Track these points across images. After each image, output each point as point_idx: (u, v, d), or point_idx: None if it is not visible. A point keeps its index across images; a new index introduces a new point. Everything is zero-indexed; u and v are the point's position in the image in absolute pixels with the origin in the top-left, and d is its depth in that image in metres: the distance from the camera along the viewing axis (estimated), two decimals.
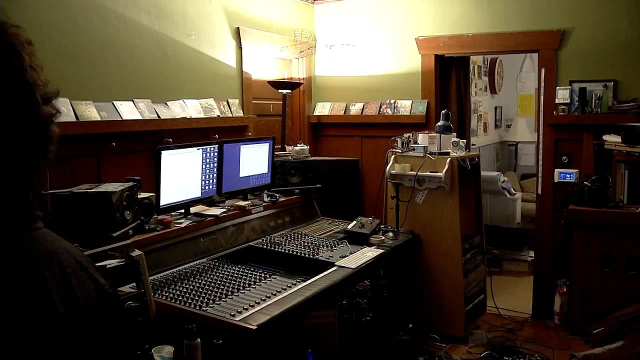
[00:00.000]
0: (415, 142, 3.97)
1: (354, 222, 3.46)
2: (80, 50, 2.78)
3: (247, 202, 3.35)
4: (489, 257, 4.80)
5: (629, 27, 3.81)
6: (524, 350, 3.59)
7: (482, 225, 4.28)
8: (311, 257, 2.94)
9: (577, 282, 3.75)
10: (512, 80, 7.81)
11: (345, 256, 2.97)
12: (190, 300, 2.29)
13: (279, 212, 3.54)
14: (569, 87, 3.99)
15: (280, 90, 4.09)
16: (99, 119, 2.78)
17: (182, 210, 3.03)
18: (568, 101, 3.98)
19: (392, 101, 4.59)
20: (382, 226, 3.65)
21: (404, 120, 4.48)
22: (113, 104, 2.92)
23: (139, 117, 3.02)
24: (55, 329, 0.87)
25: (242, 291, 2.42)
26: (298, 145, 4.11)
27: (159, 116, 3.16)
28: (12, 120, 0.88)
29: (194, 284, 2.49)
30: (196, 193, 3.08)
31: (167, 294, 2.35)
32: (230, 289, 2.42)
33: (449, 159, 3.66)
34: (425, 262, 3.83)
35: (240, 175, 3.42)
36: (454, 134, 4.01)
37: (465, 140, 4.09)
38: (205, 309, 2.22)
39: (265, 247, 3.10)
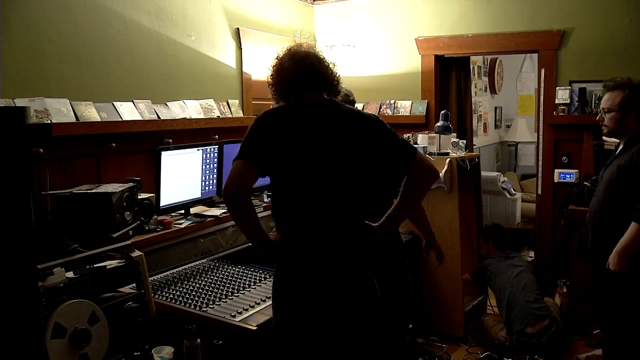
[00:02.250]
0: (415, 143, 3.97)
1: None
2: (80, 50, 2.78)
3: None
4: None
5: (629, 27, 3.81)
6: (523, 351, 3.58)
7: (482, 225, 4.27)
8: None
9: (577, 282, 3.75)
10: (512, 80, 7.81)
11: None
12: (190, 301, 2.29)
13: None
14: (569, 87, 3.99)
15: None
16: (99, 119, 2.78)
17: (182, 211, 3.03)
18: (568, 101, 3.98)
19: (392, 101, 4.59)
20: None
21: (404, 121, 4.48)
22: (113, 104, 2.92)
23: (139, 117, 3.02)
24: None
25: (242, 292, 2.42)
26: None
27: (159, 117, 3.16)
28: None
29: (194, 284, 2.49)
30: (196, 194, 3.08)
31: (167, 295, 2.35)
32: (230, 290, 2.42)
33: (448, 160, 3.66)
34: (425, 262, 3.82)
35: None
36: (454, 134, 4.01)
37: (465, 141, 4.09)
38: (205, 309, 2.22)
39: None
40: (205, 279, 2.55)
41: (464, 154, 3.89)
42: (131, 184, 2.54)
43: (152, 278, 2.44)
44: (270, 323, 2.12)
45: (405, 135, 4.06)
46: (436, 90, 4.50)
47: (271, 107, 2.03)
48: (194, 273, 2.63)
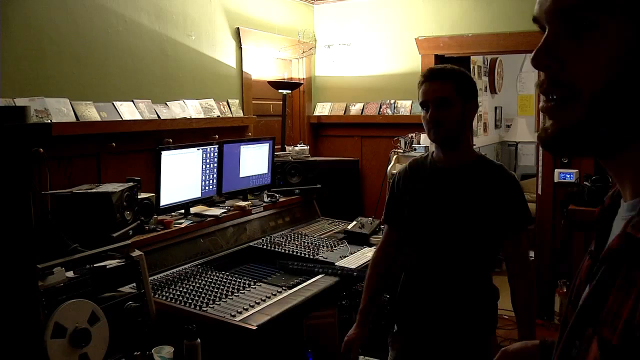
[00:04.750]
0: (419, 143, 3.97)
1: (354, 223, 3.46)
2: (80, 50, 2.78)
3: (247, 203, 3.35)
4: None
5: None
6: None
7: None
8: (311, 257, 2.94)
9: None
10: (512, 80, 7.80)
11: (345, 256, 2.97)
12: (190, 301, 2.29)
13: (279, 213, 3.54)
14: None
15: (280, 91, 4.09)
16: (99, 119, 2.78)
17: (182, 211, 3.03)
18: None
19: (392, 101, 4.59)
20: (382, 226, 3.65)
21: (404, 121, 4.48)
22: (113, 104, 2.92)
23: (139, 117, 3.02)
24: None
25: (242, 291, 2.42)
26: (298, 145, 4.11)
27: (159, 116, 3.16)
28: None
29: (194, 284, 2.49)
30: (196, 193, 3.08)
31: (167, 294, 2.35)
32: (230, 290, 2.42)
33: None
34: None
35: (240, 175, 3.42)
36: None
37: None
38: (205, 309, 2.22)
39: (265, 247, 3.10)
40: (206, 279, 2.55)
41: None
42: (131, 184, 2.54)
43: (152, 278, 2.44)
44: (271, 323, 2.12)
45: (409, 135, 4.06)
46: None
47: None
48: (194, 273, 2.63)
